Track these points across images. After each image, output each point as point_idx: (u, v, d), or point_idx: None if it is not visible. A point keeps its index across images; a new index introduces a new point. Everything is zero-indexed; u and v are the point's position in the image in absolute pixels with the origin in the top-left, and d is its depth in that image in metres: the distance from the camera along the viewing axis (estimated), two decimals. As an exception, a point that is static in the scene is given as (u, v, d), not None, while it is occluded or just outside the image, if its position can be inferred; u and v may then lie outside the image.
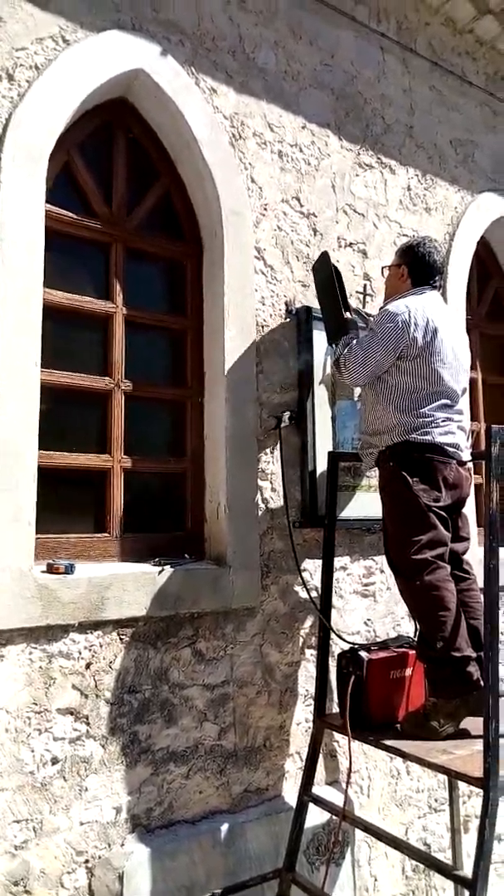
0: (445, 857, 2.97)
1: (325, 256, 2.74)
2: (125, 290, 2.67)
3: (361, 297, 3.18)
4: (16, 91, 2.28)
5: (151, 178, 2.79)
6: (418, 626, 2.38)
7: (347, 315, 2.62)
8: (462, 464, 2.43)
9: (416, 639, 2.59)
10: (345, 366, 2.47)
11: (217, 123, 2.77)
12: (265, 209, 2.90)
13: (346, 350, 2.48)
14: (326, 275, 2.69)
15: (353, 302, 3.13)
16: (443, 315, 2.50)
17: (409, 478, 2.31)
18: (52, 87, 2.33)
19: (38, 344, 2.24)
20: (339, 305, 2.60)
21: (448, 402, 2.43)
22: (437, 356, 2.41)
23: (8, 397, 2.15)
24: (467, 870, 2.09)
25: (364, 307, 3.17)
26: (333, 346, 2.63)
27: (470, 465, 2.51)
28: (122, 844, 2.26)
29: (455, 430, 2.42)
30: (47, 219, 2.34)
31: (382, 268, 2.78)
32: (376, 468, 2.52)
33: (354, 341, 2.49)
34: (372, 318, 2.66)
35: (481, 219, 3.78)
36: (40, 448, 2.24)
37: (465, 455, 2.45)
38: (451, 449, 2.37)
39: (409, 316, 2.39)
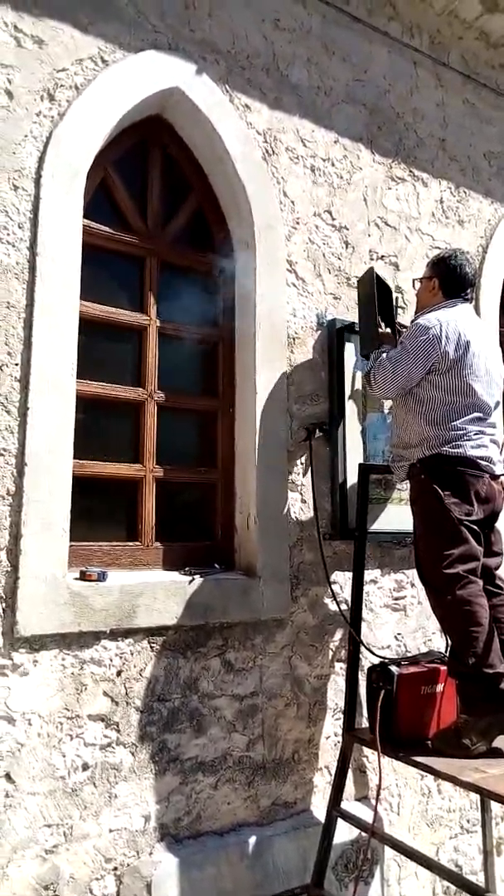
0: (477, 879, 2.90)
1: (370, 271, 2.74)
2: (159, 303, 2.71)
3: (394, 308, 3.18)
4: (56, 110, 2.35)
5: (185, 193, 2.84)
6: (449, 642, 2.35)
7: (383, 329, 2.60)
8: (495, 477, 2.40)
9: (447, 654, 2.56)
10: (375, 379, 2.48)
11: (250, 139, 2.81)
12: (297, 222, 2.93)
13: (376, 363, 2.48)
14: (368, 288, 2.69)
15: (395, 315, 3.13)
16: (475, 328, 2.48)
17: (440, 491, 2.29)
18: (91, 107, 2.40)
19: (75, 355, 2.29)
20: (374, 319, 2.60)
21: (480, 415, 2.41)
22: (470, 369, 2.39)
23: (44, 407, 2.20)
24: (501, 893, 2.04)
25: (397, 319, 3.16)
26: (364, 358, 2.62)
27: (503, 478, 2.48)
28: (151, 853, 2.26)
29: (488, 444, 2.39)
30: (84, 233, 2.40)
31: (414, 280, 2.77)
32: (407, 481, 2.50)
33: (385, 355, 2.48)
34: (405, 333, 2.65)
35: (515, 230, 3.76)
36: (75, 457, 2.28)
37: (499, 469, 2.42)
38: (483, 462, 2.35)
39: (441, 329, 2.38)
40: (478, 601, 2.23)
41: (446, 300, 2.54)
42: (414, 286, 2.75)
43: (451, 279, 2.54)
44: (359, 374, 2.95)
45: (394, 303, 2.73)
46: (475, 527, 2.31)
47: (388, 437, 3.00)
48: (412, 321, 2.60)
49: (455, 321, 2.42)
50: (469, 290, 2.58)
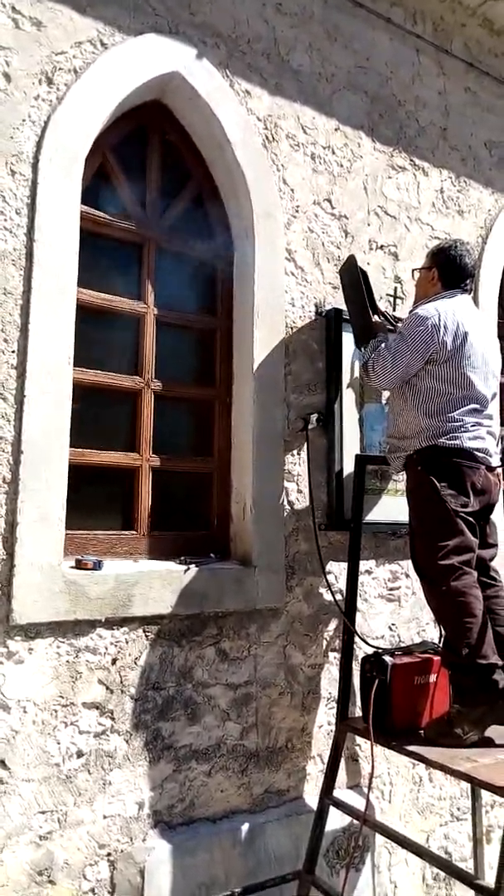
0: (467, 866, 2.93)
1: (351, 259, 2.73)
2: (156, 290, 2.70)
3: (392, 299, 3.17)
4: (54, 94, 2.32)
5: (184, 180, 2.82)
6: (443, 632, 2.36)
7: (375, 318, 2.60)
8: (491, 469, 2.40)
9: (440, 645, 2.57)
10: (373, 369, 2.47)
11: (251, 125, 2.78)
12: (297, 211, 2.91)
13: (374, 354, 2.47)
14: (354, 278, 2.68)
15: (384, 305, 3.12)
16: (473, 319, 2.47)
17: (436, 482, 2.29)
18: (90, 90, 2.37)
19: (72, 343, 2.28)
20: (366, 308, 2.59)
21: (478, 406, 2.41)
22: (468, 360, 2.39)
23: (40, 395, 2.19)
24: (489, 879, 2.07)
25: (394, 310, 3.15)
26: (361, 349, 2.62)
27: (499, 470, 2.49)
28: (144, 840, 2.28)
29: (484, 436, 2.39)
30: (82, 219, 2.38)
31: (413, 270, 2.76)
32: (404, 472, 2.50)
33: (383, 345, 2.47)
34: (401, 322, 2.64)
35: (515, 222, 3.74)
36: (71, 445, 2.27)
37: (495, 460, 2.43)
38: (479, 454, 2.35)
39: (439, 319, 2.37)
40: (472, 592, 2.24)
41: (445, 290, 2.53)
42: (413, 276, 2.74)
43: (450, 270, 2.53)
44: (357, 364, 2.95)
45: (372, 289, 2.71)
46: (471, 518, 2.32)
47: (384, 428, 3.00)
48: (410, 311, 2.59)
49: (453, 311, 2.41)
50: (468, 281, 2.57)
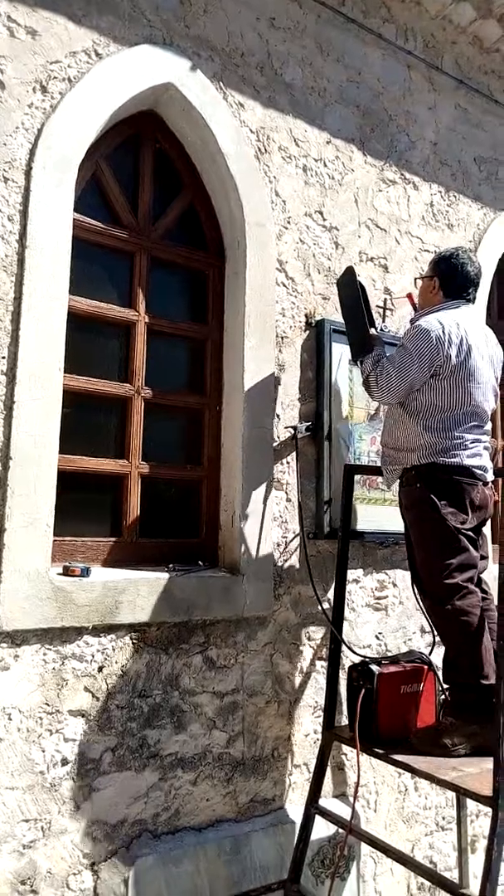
0: (452, 875, 2.94)
1: (350, 271, 2.66)
2: (148, 299, 2.71)
3: (382, 311, 3.20)
4: (48, 103, 2.33)
5: (177, 190, 2.84)
6: (446, 651, 2.32)
7: (372, 331, 2.55)
8: (486, 484, 2.38)
9: (427, 654, 2.58)
10: (377, 384, 2.38)
11: (243, 137, 2.81)
12: (288, 222, 2.93)
13: (376, 368, 2.39)
14: (352, 291, 2.61)
15: (374, 317, 3.15)
16: (478, 331, 2.41)
17: (437, 500, 2.25)
18: (84, 100, 2.39)
19: (62, 350, 2.28)
20: (365, 322, 2.53)
21: (477, 423, 2.37)
22: (472, 376, 2.34)
23: (30, 401, 2.19)
24: (474, 889, 2.07)
25: (384, 321, 3.19)
26: (359, 362, 2.53)
27: (490, 484, 2.49)
28: (128, 848, 2.27)
29: (482, 452, 2.37)
30: (74, 227, 2.39)
31: (416, 278, 2.73)
32: (397, 485, 2.47)
33: (384, 359, 2.39)
34: (404, 334, 2.54)
35: (503, 236, 3.79)
36: (60, 452, 2.27)
37: (490, 476, 2.40)
38: (478, 471, 2.33)
39: (444, 332, 2.31)
40: (476, 612, 2.22)
41: (448, 300, 2.47)
42: (415, 285, 2.69)
43: (451, 279, 2.47)
44: (343, 375, 2.97)
45: (369, 302, 2.66)
46: (471, 534, 2.31)
47: (373, 438, 3.03)
48: (412, 321, 2.54)
49: (457, 324, 2.35)
50: (472, 290, 2.50)
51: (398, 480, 2.47)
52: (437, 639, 3.16)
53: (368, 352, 2.48)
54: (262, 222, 2.83)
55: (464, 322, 2.39)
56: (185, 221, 2.87)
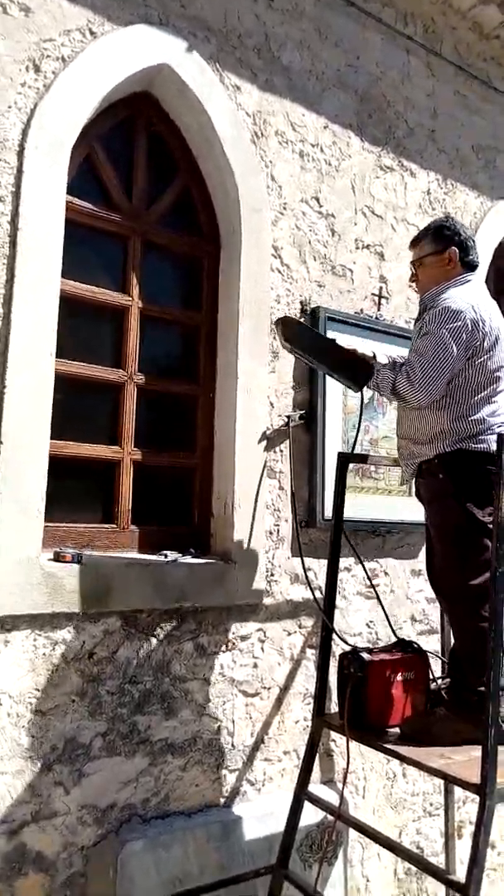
0: (438, 861, 2.97)
1: (286, 321, 2.34)
2: (141, 284, 2.68)
3: (377, 299, 3.18)
4: (42, 82, 2.29)
5: (172, 173, 2.80)
6: (459, 648, 2.25)
7: (363, 353, 2.29)
8: None
9: (423, 649, 2.57)
10: (411, 385, 2.10)
11: (240, 121, 2.77)
12: (284, 208, 2.91)
13: (399, 370, 2.15)
14: (304, 331, 2.38)
15: (368, 304, 3.14)
16: (494, 306, 2.24)
17: (464, 493, 2.10)
18: (78, 79, 2.35)
19: (54, 334, 2.26)
20: (338, 346, 2.27)
21: (501, 403, 2.22)
22: (498, 356, 2.18)
23: (22, 386, 2.17)
24: (460, 874, 2.09)
25: (379, 310, 3.17)
26: (370, 385, 2.23)
27: None
28: (118, 833, 2.28)
29: None
30: (67, 209, 2.36)
31: (414, 261, 2.44)
32: (414, 479, 2.32)
33: (409, 357, 2.19)
34: (426, 318, 2.24)
35: (500, 225, 3.77)
36: (52, 437, 2.25)
37: None
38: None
39: (475, 310, 2.10)
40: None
41: (466, 272, 2.25)
42: (417, 266, 2.41)
43: (468, 245, 2.27)
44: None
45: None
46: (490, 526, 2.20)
47: (367, 427, 3.02)
48: (424, 302, 2.32)
49: (478, 302, 2.17)
50: (477, 257, 2.34)
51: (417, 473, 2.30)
52: (430, 627, 3.20)
53: (367, 368, 2.20)
54: (258, 207, 2.80)
55: (484, 297, 2.23)
56: (179, 205, 2.83)
